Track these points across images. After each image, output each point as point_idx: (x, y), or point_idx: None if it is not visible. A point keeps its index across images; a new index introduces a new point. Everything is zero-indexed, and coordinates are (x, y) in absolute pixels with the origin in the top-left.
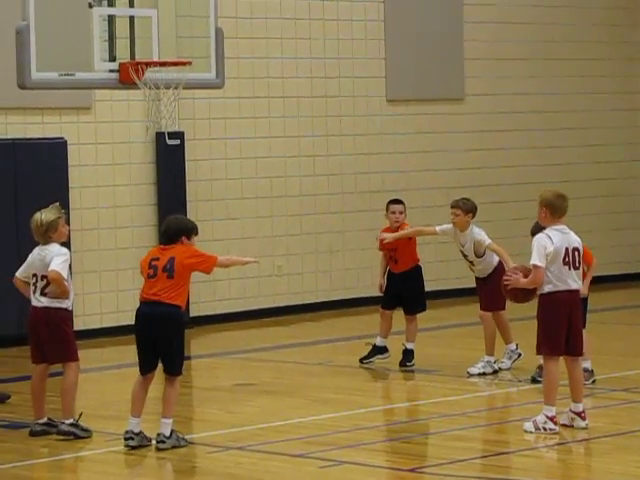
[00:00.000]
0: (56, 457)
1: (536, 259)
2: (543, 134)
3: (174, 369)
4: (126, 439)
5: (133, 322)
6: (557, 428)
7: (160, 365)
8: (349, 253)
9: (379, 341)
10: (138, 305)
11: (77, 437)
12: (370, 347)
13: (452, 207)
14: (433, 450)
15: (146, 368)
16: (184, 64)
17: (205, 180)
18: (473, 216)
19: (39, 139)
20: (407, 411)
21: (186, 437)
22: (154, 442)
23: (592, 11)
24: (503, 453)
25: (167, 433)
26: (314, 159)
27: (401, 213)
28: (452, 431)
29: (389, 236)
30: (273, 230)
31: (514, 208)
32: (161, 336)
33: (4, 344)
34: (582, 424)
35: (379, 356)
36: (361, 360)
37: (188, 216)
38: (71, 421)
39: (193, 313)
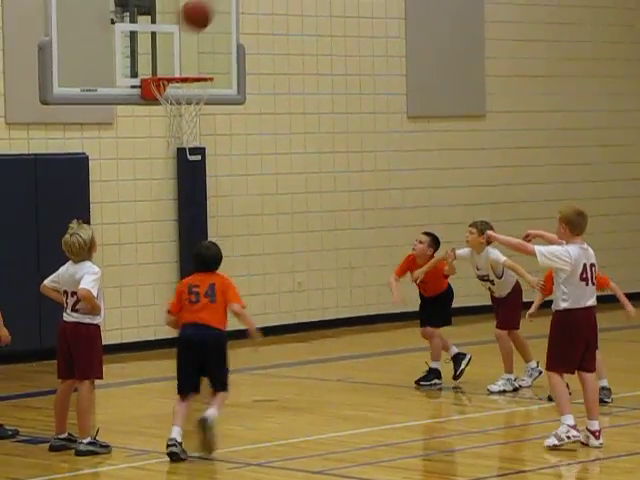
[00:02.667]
0: (76, 472)
1: (542, 250)
2: (564, 151)
3: (224, 386)
4: (169, 445)
5: (153, 337)
6: (580, 435)
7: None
8: (369, 269)
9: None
10: (182, 329)
11: (97, 454)
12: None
13: (469, 226)
14: (452, 468)
15: (188, 389)
16: (205, 80)
17: (226, 196)
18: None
19: (60, 154)
20: (427, 428)
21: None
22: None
23: (613, 28)
24: (522, 471)
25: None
26: (335, 175)
27: (421, 243)
28: (471, 449)
29: (418, 273)
30: (293, 246)
31: (536, 225)
32: (210, 357)
33: (25, 359)
34: (595, 443)
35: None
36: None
37: (208, 232)
38: (89, 439)
39: None
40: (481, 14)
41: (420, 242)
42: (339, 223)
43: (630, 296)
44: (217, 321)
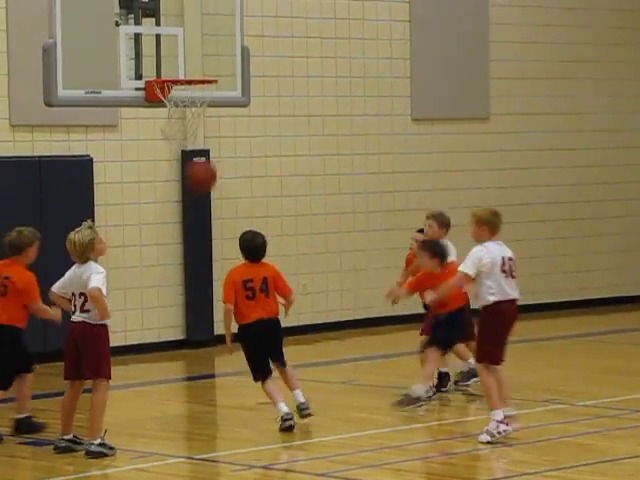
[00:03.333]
0: (80, 474)
1: (467, 267)
2: (568, 154)
3: (285, 361)
4: (285, 420)
5: (157, 340)
6: (510, 428)
7: None
8: (374, 272)
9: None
10: (247, 326)
11: (106, 456)
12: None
13: (427, 218)
14: (456, 470)
15: (267, 371)
16: (210, 82)
17: (230, 198)
18: (446, 232)
19: (65, 156)
20: (430, 430)
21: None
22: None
23: (617, 31)
24: (526, 474)
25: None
26: (339, 178)
27: (417, 241)
28: (475, 451)
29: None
30: (298, 248)
31: (539, 227)
32: (274, 341)
33: None
34: (509, 429)
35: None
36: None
37: (213, 234)
38: (99, 441)
39: (218, 331)
40: (486, 17)
41: (416, 241)
42: (343, 225)
43: (637, 299)
44: (274, 311)
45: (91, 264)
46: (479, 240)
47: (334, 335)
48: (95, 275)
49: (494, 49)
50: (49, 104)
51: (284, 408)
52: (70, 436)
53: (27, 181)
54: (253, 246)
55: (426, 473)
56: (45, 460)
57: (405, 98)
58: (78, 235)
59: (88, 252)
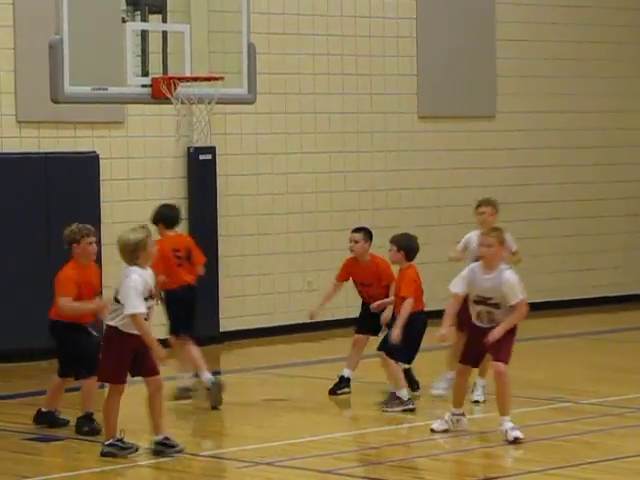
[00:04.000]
0: (86, 470)
1: (523, 294)
2: (574, 152)
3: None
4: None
5: (163, 336)
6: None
7: None
8: None
9: None
10: (177, 290)
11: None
12: None
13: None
14: (462, 467)
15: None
16: (216, 79)
17: (236, 195)
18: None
19: (71, 153)
20: None
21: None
22: None
23: (626, 29)
24: (532, 472)
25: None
26: (345, 175)
27: (357, 242)
28: (481, 448)
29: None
30: (304, 246)
31: (545, 225)
32: (195, 309)
33: (36, 357)
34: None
35: None
36: None
37: (219, 231)
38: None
39: (223, 328)
40: (492, 14)
41: (355, 242)
42: (349, 223)
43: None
44: (195, 277)
45: (129, 269)
46: (494, 262)
47: (340, 332)
48: (128, 297)
49: (500, 47)
50: (55, 100)
51: (207, 376)
52: (120, 436)
53: (33, 177)
54: (177, 215)
55: (432, 470)
56: (50, 456)
57: (411, 95)
58: (131, 234)
59: (139, 251)
